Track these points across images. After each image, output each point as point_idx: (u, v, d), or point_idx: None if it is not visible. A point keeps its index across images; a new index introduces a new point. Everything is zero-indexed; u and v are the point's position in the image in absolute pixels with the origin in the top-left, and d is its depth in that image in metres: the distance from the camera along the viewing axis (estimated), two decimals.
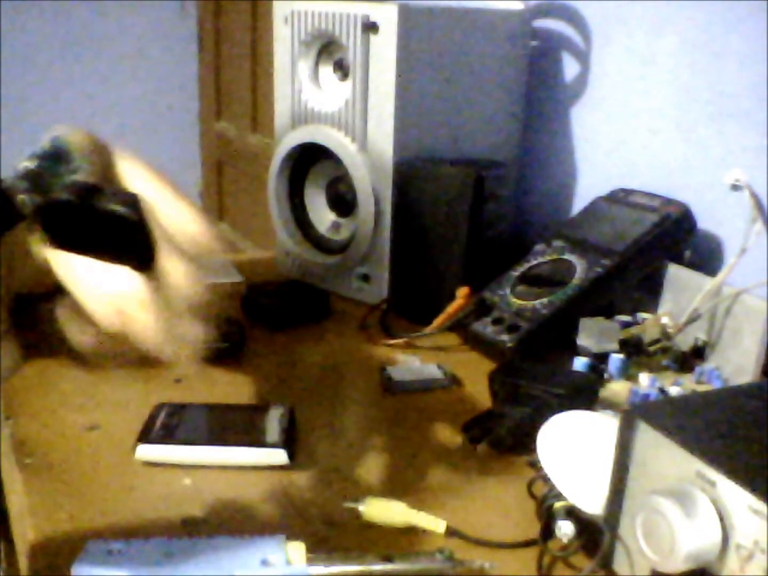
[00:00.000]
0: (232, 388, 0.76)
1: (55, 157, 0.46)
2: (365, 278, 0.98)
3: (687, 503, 0.45)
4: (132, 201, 0.44)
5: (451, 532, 0.56)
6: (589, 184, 1.06)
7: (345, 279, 1.00)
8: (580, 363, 0.77)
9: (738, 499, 0.43)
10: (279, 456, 0.62)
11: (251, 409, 0.69)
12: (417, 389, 0.77)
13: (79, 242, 0.44)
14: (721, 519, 0.44)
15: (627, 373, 0.77)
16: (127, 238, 0.44)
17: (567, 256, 0.87)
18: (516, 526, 0.58)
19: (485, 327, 0.84)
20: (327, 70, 0.97)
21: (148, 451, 0.62)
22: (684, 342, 0.82)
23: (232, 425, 0.67)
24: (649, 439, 0.49)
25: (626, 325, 0.82)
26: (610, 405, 0.71)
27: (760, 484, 0.43)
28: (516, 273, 0.89)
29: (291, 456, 0.63)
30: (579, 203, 1.05)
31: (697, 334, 0.81)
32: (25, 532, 0.57)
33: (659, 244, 0.86)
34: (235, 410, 0.69)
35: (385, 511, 0.57)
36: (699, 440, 0.47)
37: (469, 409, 0.71)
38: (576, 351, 0.79)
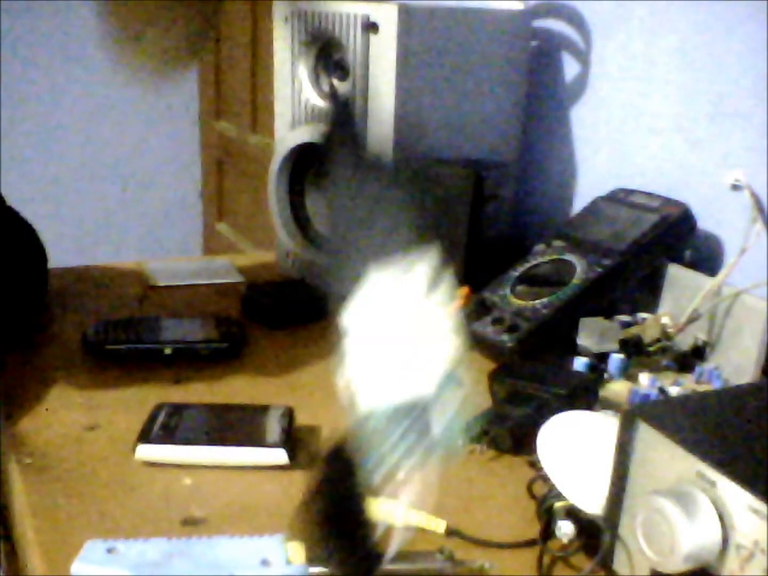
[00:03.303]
0: (232, 388, 0.76)
1: None
2: None
3: (687, 503, 0.45)
4: None
5: (451, 532, 0.56)
6: (589, 184, 1.05)
7: None
8: (580, 363, 0.77)
9: (738, 499, 0.43)
10: (279, 456, 0.62)
11: (251, 409, 0.69)
12: None
13: None
14: (721, 519, 0.44)
15: (627, 373, 0.77)
16: None
17: (567, 256, 0.87)
18: (516, 526, 0.58)
19: (485, 327, 0.84)
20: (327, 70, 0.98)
21: (148, 451, 0.62)
22: (684, 342, 0.82)
23: (232, 425, 0.67)
24: (649, 439, 0.48)
25: (626, 325, 0.82)
26: (610, 405, 0.71)
27: (760, 484, 0.43)
28: (516, 273, 0.89)
29: (291, 456, 0.63)
30: (579, 203, 1.05)
31: (697, 334, 0.81)
32: (25, 532, 0.57)
33: (659, 244, 0.86)
34: (235, 410, 0.69)
35: (385, 511, 0.57)
36: (699, 440, 0.47)
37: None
38: (576, 351, 0.79)
